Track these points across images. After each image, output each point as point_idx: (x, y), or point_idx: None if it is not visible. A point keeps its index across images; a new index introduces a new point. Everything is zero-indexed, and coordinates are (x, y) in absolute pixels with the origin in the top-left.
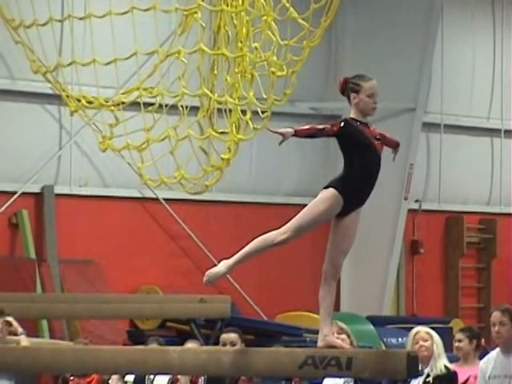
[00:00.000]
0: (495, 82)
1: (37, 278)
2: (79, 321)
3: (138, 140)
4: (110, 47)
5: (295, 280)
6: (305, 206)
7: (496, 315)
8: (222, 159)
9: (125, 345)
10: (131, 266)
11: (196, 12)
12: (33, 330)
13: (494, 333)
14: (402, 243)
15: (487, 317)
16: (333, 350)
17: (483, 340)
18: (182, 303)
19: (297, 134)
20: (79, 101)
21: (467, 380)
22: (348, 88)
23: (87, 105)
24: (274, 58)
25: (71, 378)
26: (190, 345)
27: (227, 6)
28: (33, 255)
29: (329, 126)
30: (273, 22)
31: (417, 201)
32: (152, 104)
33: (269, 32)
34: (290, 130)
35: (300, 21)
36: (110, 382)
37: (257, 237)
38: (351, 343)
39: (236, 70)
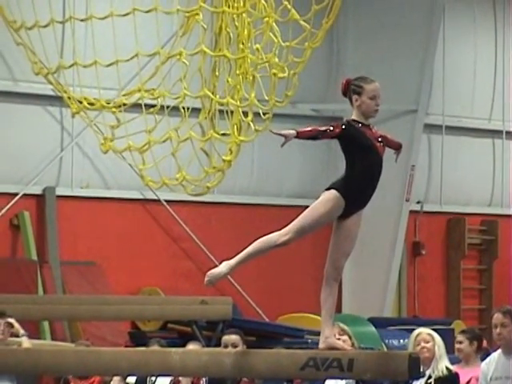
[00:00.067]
0: (497, 83)
1: (38, 279)
2: (81, 322)
3: (140, 141)
4: (112, 49)
5: (297, 282)
6: (306, 207)
7: (497, 317)
8: (224, 161)
9: (126, 346)
10: (133, 268)
11: (197, 13)
12: (34, 332)
13: (495, 334)
14: (404, 245)
15: (489, 318)
16: (334, 351)
17: (485, 341)
18: (183, 305)
19: (299, 135)
20: (81, 102)
21: (469, 381)
22: (350, 90)
23: (89, 106)
24: (276, 59)
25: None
26: (192, 346)
27: (229, 7)
28: (34, 257)
29: (331, 128)
30: (274, 24)
31: (418, 202)
32: (153, 105)
33: (270, 33)
34: (292, 131)
35: (302, 22)
36: (111, 383)
37: (258, 238)
38: (353, 345)
39: (237, 72)
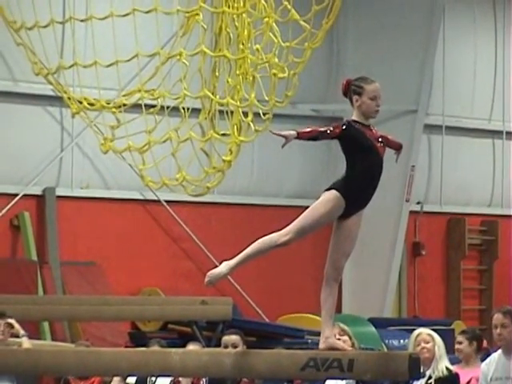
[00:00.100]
0: (497, 83)
1: (38, 279)
2: (81, 323)
3: (140, 142)
4: (112, 49)
5: (297, 282)
6: (307, 208)
7: (497, 317)
8: (224, 161)
9: (126, 347)
10: (133, 268)
11: (197, 14)
12: (34, 332)
13: (495, 335)
14: (404, 245)
15: (489, 318)
16: (334, 351)
17: (485, 342)
18: (183, 305)
19: (299, 136)
20: (81, 103)
21: (469, 382)
22: (351, 90)
23: (89, 107)
24: (276, 59)
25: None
26: (192, 347)
27: (229, 7)
28: (34, 257)
29: (331, 129)
30: (274, 24)
31: (418, 203)
32: (153, 106)
33: (270, 34)
34: (292, 132)
35: (302, 22)
36: None
37: (258, 238)
38: (353, 345)
39: (237, 72)
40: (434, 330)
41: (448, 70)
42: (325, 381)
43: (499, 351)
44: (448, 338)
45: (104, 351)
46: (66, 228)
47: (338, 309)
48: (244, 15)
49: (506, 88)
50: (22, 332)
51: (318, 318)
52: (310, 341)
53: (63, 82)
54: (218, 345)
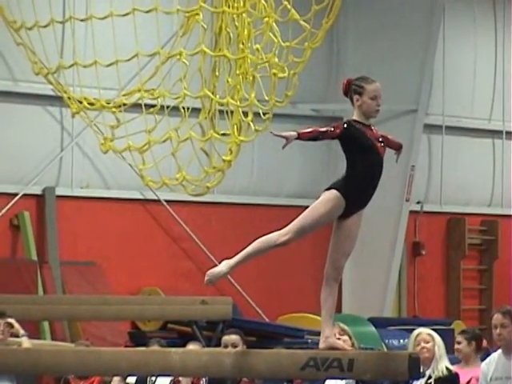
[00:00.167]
0: (497, 83)
1: (38, 279)
2: (81, 322)
3: (140, 141)
4: (112, 49)
5: (297, 282)
6: (307, 207)
7: (497, 317)
8: (224, 161)
9: (126, 346)
10: (133, 268)
11: (197, 13)
12: (34, 332)
13: (495, 335)
14: (404, 245)
15: (489, 318)
16: (334, 351)
17: (485, 341)
18: (183, 305)
19: (300, 137)
20: (81, 102)
21: (469, 382)
22: (351, 89)
23: (89, 106)
24: (276, 59)
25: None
26: (192, 346)
27: (229, 7)
28: (34, 257)
29: (331, 129)
30: (274, 24)
31: (418, 202)
32: (153, 106)
33: (270, 33)
34: (293, 133)
35: (301, 22)
36: (111, 383)
37: (258, 238)
38: (353, 345)
39: (237, 72)
40: (433, 329)
41: (448, 69)
42: (325, 380)
43: (499, 351)
44: (448, 338)
45: (104, 351)
46: (65, 228)
47: (338, 308)
48: (244, 15)
49: (506, 88)
50: (21, 332)
51: (317, 317)
52: (309, 340)
53: (63, 82)
54: (218, 344)
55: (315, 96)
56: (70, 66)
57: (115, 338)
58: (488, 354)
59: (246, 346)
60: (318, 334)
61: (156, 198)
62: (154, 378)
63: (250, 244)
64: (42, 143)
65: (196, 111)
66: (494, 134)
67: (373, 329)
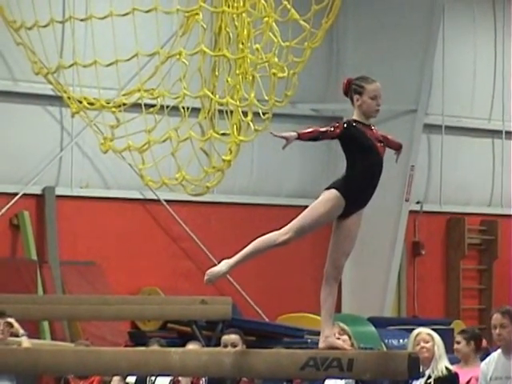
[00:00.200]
0: (496, 83)
1: (38, 279)
2: (80, 322)
3: (139, 141)
4: (111, 48)
5: (296, 281)
6: (306, 207)
7: (497, 317)
8: (223, 160)
9: (126, 346)
10: (132, 268)
11: (197, 13)
12: (34, 332)
13: (495, 335)
14: (404, 245)
15: (488, 318)
16: (334, 351)
17: (485, 341)
18: (183, 305)
19: (300, 137)
20: (80, 102)
21: (469, 381)
22: (351, 89)
23: (88, 106)
24: (275, 59)
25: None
26: (192, 346)
27: (228, 7)
28: (34, 256)
29: (331, 129)
30: (274, 24)
31: (418, 202)
32: (153, 105)
33: (270, 33)
34: (293, 133)
35: (301, 22)
36: (111, 383)
37: (258, 237)
38: (352, 344)
39: (237, 72)
40: (433, 329)
41: (448, 69)
42: (324, 380)
43: (499, 351)
44: (447, 338)
45: (104, 350)
46: (65, 227)
47: (338, 308)
48: (244, 15)
49: (506, 88)
50: (21, 331)
51: (317, 317)
52: (309, 340)
53: (63, 82)
54: (218, 344)
55: (315, 96)
56: (70, 66)
57: (115, 338)
58: (488, 354)
59: (246, 345)
60: (318, 333)
61: (156, 197)
62: (153, 378)
63: (249, 244)
64: (42, 143)
65: (196, 111)
66: (494, 133)
67: (372, 328)
